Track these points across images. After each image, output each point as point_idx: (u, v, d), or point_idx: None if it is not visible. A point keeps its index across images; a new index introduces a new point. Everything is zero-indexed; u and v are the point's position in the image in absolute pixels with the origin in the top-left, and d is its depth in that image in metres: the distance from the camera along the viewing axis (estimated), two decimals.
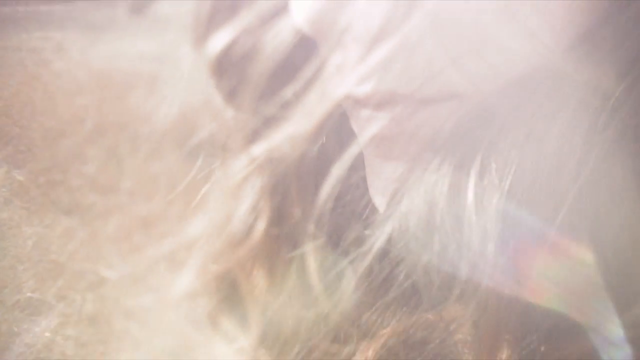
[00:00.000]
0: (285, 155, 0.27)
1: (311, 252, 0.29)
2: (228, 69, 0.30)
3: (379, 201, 0.29)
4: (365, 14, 0.23)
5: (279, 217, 0.32)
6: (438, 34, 0.23)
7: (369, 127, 0.27)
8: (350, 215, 0.31)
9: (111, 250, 0.87)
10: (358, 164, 0.29)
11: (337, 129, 0.29)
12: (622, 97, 0.23)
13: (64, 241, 1.01)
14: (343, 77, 0.24)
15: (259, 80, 0.27)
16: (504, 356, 0.26)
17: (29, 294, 0.91)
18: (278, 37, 0.26)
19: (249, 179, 0.31)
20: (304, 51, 0.27)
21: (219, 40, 0.28)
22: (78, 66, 1.76)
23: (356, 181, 0.30)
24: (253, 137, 0.29)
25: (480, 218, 0.24)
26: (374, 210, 0.29)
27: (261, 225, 0.32)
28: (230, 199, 0.32)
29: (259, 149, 0.28)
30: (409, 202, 0.26)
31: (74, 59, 1.90)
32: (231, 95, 0.31)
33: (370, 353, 0.30)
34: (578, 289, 0.26)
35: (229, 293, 0.36)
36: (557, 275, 0.26)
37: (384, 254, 0.28)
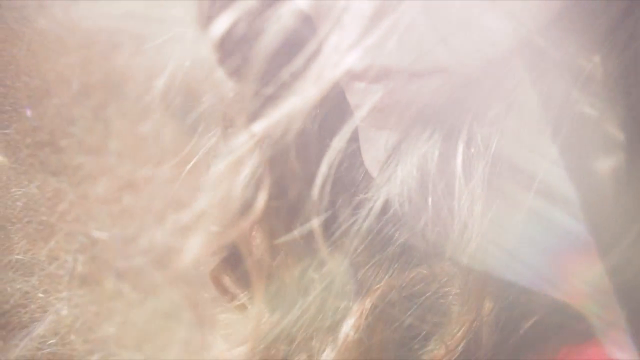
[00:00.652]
0: (286, 130, 0.28)
1: (314, 218, 0.30)
2: (231, 48, 0.31)
3: (373, 168, 0.30)
4: None
5: (280, 190, 0.33)
6: (429, 14, 0.24)
7: (364, 99, 0.28)
8: (349, 182, 0.32)
9: (101, 211, 0.88)
10: (354, 136, 0.30)
11: (335, 103, 0.30)
12: (593, 71, 0.25)
13: (53, 202, 1.01)
14: (341, 54, 0.25)
15: (260, 59, 0.28)
16: (488, 305, 0.28)
17: (20, 256, 0.92)
18: (279, 18, 0.27)
19: (249, 153, 0.32)
20: (304, 31, 0.28)
21: (222, 22, 0.29)
22: (62, 24, 1.73)
23: (352, 151, 0.31)
24: (254, 113, 0.31)
25: (468, 182, 0.26)
26: (369, 177, 0.31)
27: (262, 197, 0.33)
28: (231, 172, 0.33)
29: (260, 125, 0.29)
30: (402, 169, 0.28)
31: (57, 17, 1.87)
32: (233, 73, 0.32)
33: (367, 303, 0.32)
34: (555, 245, 0.27)
35: (231, 253, 0.38)
36: (537, 233, 0.28)
37: (380, 215, 0.29)
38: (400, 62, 0.26)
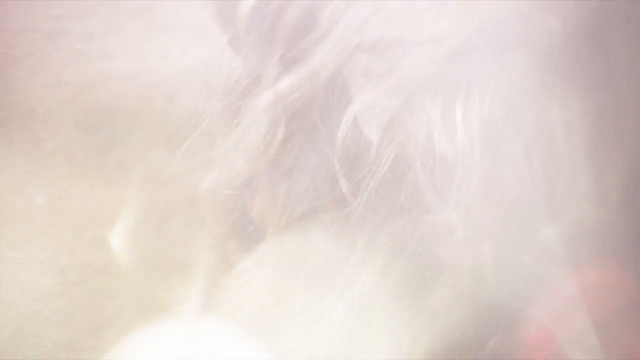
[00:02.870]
0: (306, 91, 0.31)
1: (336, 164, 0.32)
2: (257, 21, 0.33)
3: (372, 130, 0.33)
4: None
5: (301, 139, 0.35)
6: None
7: (372, 68, 0.31)
8: (360, 141, 0.35)
9: (11, 231, 0.84)
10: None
11: (345, 75, 0.33)
12: (567, 37, 0.29)
13: None
14: (356, 27, 0.28)
15: (284, 31, 0.30)
16: (486, 248, 0.31)
17: None
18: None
19: (272, 108, 0.33)
20: (322, 7, 0.31)
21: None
22: None
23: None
24: (278, 75, 0.33)
25: (467, 130, 0.29)
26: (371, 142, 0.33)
27: (279, 139, 0.35)
28: (252, 125, 0.34)
29: (283, 85, 0.31)
30: (409, 126, 0.31)
31: None
32: (257, 45, 0.34)
33: (380, 242, 0.33)
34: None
35: (239, 217, 0.38)
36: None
37: (390, 171, 0.32)
38: (408, 33, 0.30)
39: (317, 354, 0.35)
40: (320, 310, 0.34)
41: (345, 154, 0.33)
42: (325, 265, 0.34)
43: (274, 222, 0.36)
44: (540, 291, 0.31)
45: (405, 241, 0.32)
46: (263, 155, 0.35)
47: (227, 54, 0.36)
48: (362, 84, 0.31)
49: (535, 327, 0.30)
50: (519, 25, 0.28)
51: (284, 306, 0.36)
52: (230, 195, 0.37)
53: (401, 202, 0.32)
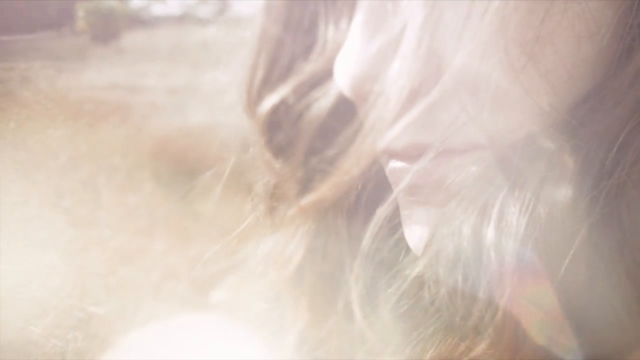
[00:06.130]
0: (330, 202, 0.30)
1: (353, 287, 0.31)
2: (277, 127, 0.33)
3: (413, 243, 0.32)
4: (399, 78, 0.26)
5: (323, 255, 0.35)
6: (460, 94, 0.26)
7: (402, 176, 0.30)
8: (390, 254, 0.34)
9: (96, 285, 0.86)
10: (394, 214, 0.32)
11: (376, 181, 0.32)
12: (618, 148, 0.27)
13: (45, 278, 0.99)
14: (380, 133, 0.27)
15: (305, 138, 0.30)
16: None
17: (14, 335, 0.89)
18: (323, 99, 0.29)
19: (295, 221, 0.33)
20: (345, 111, 0.30)
21: (269, 101, 0.31)
22: (47, 97, 1.74)
23: (394, 226, 0.33)
24: (302, 188, 0.32)
25: (498, 256, 0.27)
26: (409, 250, 0.32)
27: (302, 256, 0.35)
28: (276, 237, 0.34)
29: (308, 199, 0.31)
30: (437, 242, 0.29)
31: (41, 90, 1.87)
32: (279, 151, 0.34)
33: None
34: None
35: None
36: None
37: (414, 286, 0.31)
38: (435, 140, 0.28)
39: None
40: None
41: (368, 263, 0.32)
42: None
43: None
44: None
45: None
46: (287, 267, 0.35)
47: None
48: (388, 195, 0.30)
49: None
50: (561, 139, 0.27)
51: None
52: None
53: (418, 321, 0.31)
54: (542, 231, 0.27)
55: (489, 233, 0.27)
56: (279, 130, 0.34)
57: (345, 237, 0.35)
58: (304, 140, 0.31)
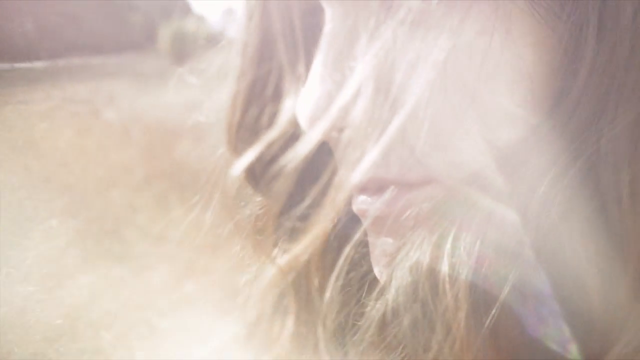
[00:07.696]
0: (306, 255, 0.31)
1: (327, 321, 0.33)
2: (256, 177, 0.35)
3: (378, 271, 0.33)
4: (354, 117, 0.28)
5: (305, 307, 0.36)
6: (411, 133, 0.27)
7: (366, 209, 0.31)
8: (356, 288, 0.35)
9: (162, 299, 0.90)
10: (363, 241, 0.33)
11: (347, 215, 0.33)
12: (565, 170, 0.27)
13: (116, 290, 1.05)
14: (349, 172, 0.28)
15: (284, 183, 0.31)
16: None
17: (85, 343, 0.95)
18: (298, 149, 0.30)
19: (275, 282, 0.35)
20: (321, 156, 0.32)
21: (246, 157, 0.33)
22: (127, 116, 1.82)
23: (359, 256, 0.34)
24: (277, 240, 0.34)
25: (452, 288, 0.28)
26: (376, 280, 0.33)
27: (290, 323, 0.36)
28: (260, 302, 0.36)
29: (283, 259, 0.32)
30: (399, 274, 0.30)
31: (123, 109, 1.97)
32: (261, 192, 0.36)
33: None
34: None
35: None
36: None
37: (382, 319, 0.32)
38: (395, 174, 0.30)
39: None
40: None
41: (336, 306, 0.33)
42: None
43: None
44: None
45: None
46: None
47: None
48: (358, 227, 0.31)
49: None
50: (509, 171, 0.27)
51: None
52: None
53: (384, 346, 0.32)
54: (492, 258, 0.27)
55: (444, 266, 0.28)
56: (259, 179, 0.36)
57: (325, 281, 0.36)
58: (283, 184, 0.32)
